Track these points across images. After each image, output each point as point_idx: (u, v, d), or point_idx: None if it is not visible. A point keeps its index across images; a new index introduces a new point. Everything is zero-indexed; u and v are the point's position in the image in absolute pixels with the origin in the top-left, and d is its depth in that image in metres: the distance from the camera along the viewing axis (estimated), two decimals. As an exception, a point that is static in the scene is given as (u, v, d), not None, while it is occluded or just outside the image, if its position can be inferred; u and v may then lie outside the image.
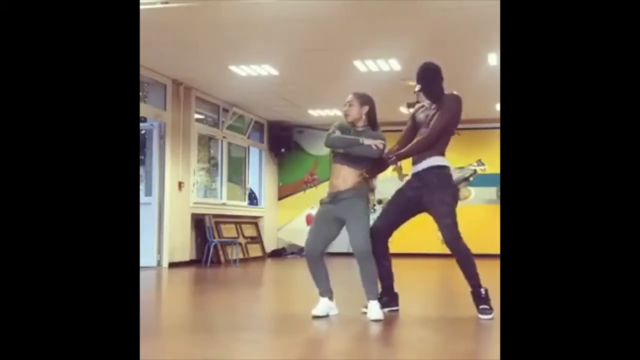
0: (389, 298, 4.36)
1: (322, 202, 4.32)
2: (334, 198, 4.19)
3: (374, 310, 4.06)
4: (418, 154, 4.25)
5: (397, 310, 4.37)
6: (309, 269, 4.27)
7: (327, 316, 4.15)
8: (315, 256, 4.23)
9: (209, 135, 10.83)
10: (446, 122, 4.21)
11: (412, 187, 4.29)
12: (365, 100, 4.27)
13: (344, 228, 4.21)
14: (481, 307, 4.11)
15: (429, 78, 4.27)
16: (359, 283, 4.18)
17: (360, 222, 4.12)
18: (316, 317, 4.10)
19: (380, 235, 4.27)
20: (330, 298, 4.23)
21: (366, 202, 4.22)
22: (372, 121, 4.28)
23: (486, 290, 4.14)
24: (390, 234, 4.37)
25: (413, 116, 4.50)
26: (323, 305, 4.17)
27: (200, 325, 4.14)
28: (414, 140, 4.29)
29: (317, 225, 4.28)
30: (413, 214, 4.38)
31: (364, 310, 4.13)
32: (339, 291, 4.32)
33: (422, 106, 4.46)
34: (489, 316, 4.06)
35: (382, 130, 4.32)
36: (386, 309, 4.26)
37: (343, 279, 4.46)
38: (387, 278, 4.37)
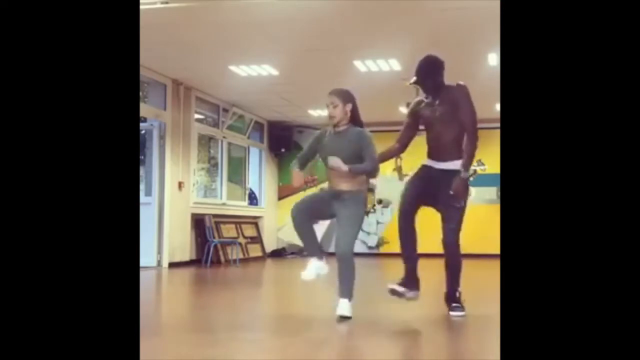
0: (409, 281, 4.29)
1: (323, 190, 4.30)
2: (336, 193, 4.16)
3: (344, 306, 4.02)
4: (440, 153, 4.19)
5: (416, 296, 4.31)
6: (296, 229, 4.19)
7: (317, 276, 4.14)
8: (303, 216, 4.17)
9: (209, 135, 10.83)
10: (474, 114, 4.16)
11: (433, 180, 4.19)
12: (347, 97, 4.18)
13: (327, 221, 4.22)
14: (454, 305, 4.24)
15: (426, 71, 4.19)
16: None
17: (352, 224, 4.09)
18: (306, 281, 4.10)
19: (408, 214, 4.24)
20: (320, 258, 4.19)
21: (364, 206, 4.19)
22: (354, 118, 4.20)
23: (460, 292, 4.29)
24: (416, 212, 4.30)
25: (414, 113, 4.38)
26: (311, 267, 4.15)
27: (200, 325, 4.14)
28: (464, 147, 4.13)
29: (311, 201, 4.24)
30: (429, 199, 4.28)
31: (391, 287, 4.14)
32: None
33: (421, 101, 4.35)
34: (462, 313, 4.20)
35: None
36: (409, 293, 4.24)
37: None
38: (411, 261, 4.31)
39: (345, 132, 4.17)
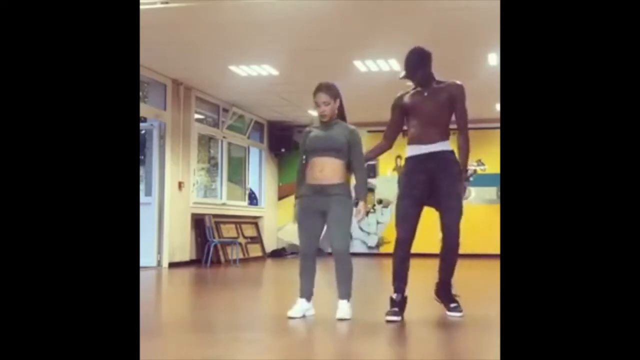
0: (401, 304, 4.14)
1: (302, 196, 4.15)
2: (320, 191, 4.05)
3: (343, 309, 4.02)
4: (427, 136, 4.08)
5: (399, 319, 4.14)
6: (300, 267, 4.19)
7: (303, 317, 4.10)
8: (312, 255, 4.17)
9: (209, 135, 10.84)
10: (467, 114, 4.16)
11: (425, 169, 4.06)
12: (336, 93, 4.18)
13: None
14: (452, 305, 4.22)
15: (415, 63, 4.13)
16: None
17: (344, 222, 4.06)
18: (292, 318, 4.05)
19: (408, 243, 4.12)
20: (308, 300, 4.18)
21: (352, 200, 4.15)
22: (341, 112, 4.21)
23: (455, 291, 4.30)
24: (414, 237, 4.18)
25: (399, 106, 4.24)
26: (299, 307, 4.13)
27: (200, 325, 4.14)
28: (460, 146, 4.14)
29: (305, 224, 4.15)
30: (426, 201, 4.15)
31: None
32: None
33: (404, 94, 4.25)
34: (460, 314, 4.18)
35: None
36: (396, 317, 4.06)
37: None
38: (403, 289, 4.19)
39: (333, 125, 4.14)
